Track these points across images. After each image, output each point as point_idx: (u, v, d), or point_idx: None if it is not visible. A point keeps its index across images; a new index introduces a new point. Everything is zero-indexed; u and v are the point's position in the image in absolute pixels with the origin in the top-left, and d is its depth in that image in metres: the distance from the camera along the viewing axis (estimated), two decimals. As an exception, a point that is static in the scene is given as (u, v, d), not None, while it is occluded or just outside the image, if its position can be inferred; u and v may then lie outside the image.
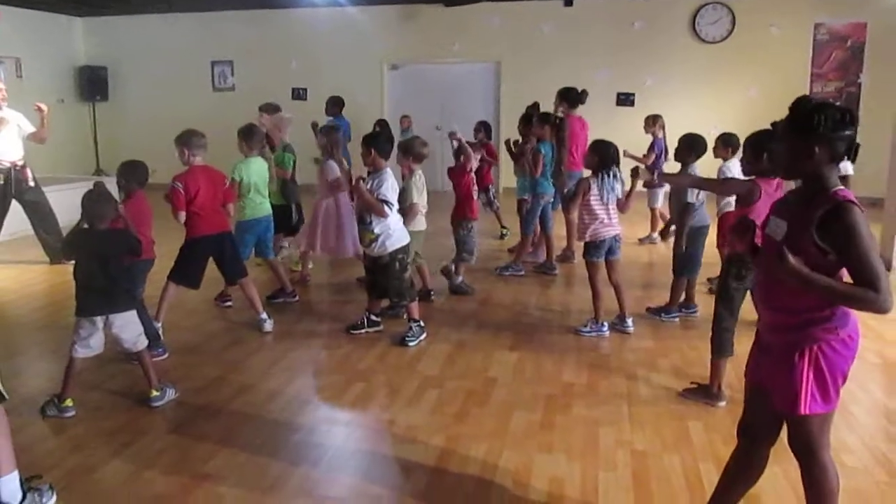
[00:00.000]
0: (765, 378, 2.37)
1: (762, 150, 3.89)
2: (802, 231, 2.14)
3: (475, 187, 6.14)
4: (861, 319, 5.80)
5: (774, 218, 2.30)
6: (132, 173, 4.44)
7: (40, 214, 7.12)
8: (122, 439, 3.48)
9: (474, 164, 6.17)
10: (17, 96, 7.84)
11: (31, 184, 6.97)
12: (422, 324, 4.95)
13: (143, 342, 3.87)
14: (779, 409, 2.30)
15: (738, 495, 2.58)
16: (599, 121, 10.75)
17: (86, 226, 3.69)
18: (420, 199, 5.38)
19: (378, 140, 4.86)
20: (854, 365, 4.76)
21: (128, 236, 3.86)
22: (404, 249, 4.88)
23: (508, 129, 8.82)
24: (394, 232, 4.79)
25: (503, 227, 8.41)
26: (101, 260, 3.67)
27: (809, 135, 2.13)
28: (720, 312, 3.88)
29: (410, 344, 4.81)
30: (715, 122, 8.82)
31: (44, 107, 6.84)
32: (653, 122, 8.18)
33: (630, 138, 8.13)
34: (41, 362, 4.65)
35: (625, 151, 7.68)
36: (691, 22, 11.29)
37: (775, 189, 3.91)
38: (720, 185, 4.71)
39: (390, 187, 4.71)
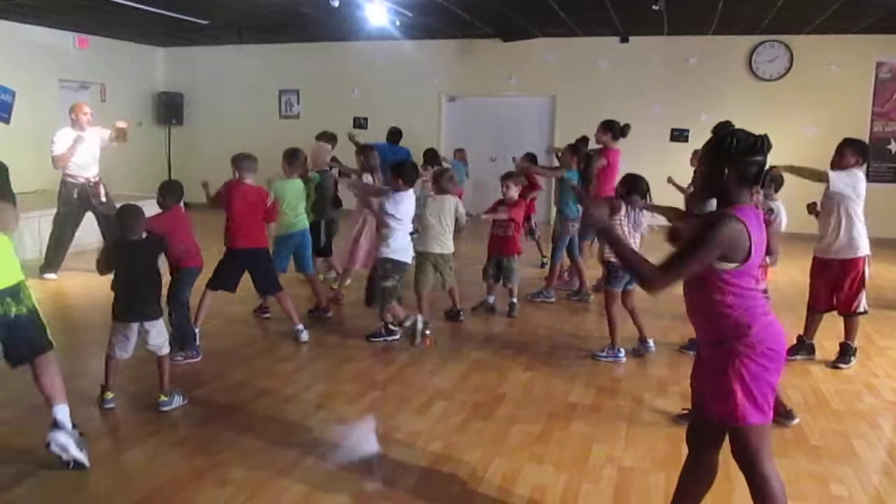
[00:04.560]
0: (701, 385, 2.52)
1: None
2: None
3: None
4: (889, 359, 5.69)
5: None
6: (169, 192, 4.87)
7: (111, 227, 7.68)
8: (150, 428, 3.84)
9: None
10: (100, 120, 8.43)
11: (104, 199, 7.56)
12: (391, 327, 5.40)
13: (166, 349, 4.17)
14: (716, 421, 2.44)
15: (693, 500, 2.70)
16: (653, 155, 10.93)
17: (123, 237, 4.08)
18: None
19: (403, 169, 5.30)
20: (868, 401, 4.71)
21: (159, 240, 4.23)
22: (393, 263, 5.24)
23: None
24: (392, 244, 5.21)
25: (543, 255, 8.57)
26: (136, 268, 4.03)
27: (721, 156, 2.32)
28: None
29: (372, 340, 5.42)
30: (770, 160, 8.74)
31: (123, 124, 7.50)
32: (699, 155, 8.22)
33: (683, 173, 8.20)
34: (95, 359, 5.05)
35: (669, 178, 7.81)
36: (748, 59, 11.31)
37: None
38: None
39: (397, 204, 5.17)
